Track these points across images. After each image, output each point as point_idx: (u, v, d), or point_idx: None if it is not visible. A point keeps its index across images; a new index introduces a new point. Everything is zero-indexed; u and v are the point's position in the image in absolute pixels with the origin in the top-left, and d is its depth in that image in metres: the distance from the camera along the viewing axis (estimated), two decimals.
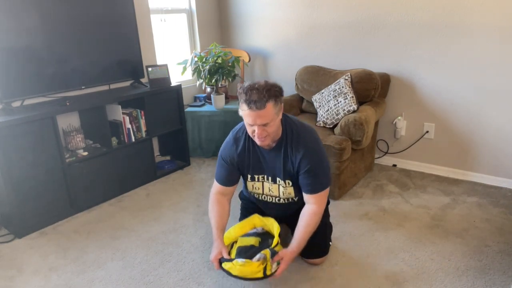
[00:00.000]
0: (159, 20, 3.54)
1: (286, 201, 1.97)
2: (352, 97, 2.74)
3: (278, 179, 1.89)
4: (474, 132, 2.83)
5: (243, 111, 1.67)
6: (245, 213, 2.15)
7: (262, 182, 1.94)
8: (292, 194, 1.93)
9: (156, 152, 3.54)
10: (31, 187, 2.40)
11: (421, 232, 2.27)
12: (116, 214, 2.64)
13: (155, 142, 3.51)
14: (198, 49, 3.81)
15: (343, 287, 1.85)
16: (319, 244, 1.99)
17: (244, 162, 1.91)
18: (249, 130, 1.74)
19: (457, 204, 2.58)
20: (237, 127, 1.95)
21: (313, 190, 1.82)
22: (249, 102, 1.62)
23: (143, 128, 3.04)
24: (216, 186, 2.00)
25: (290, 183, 1.88)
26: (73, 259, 2.17)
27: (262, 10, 3.63)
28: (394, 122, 3.16)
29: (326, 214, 2.04)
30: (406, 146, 3.17)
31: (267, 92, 1.63)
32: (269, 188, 1.94)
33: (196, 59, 3.37)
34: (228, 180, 1.96)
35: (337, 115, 2.75)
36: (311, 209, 1.83)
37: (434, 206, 2.56)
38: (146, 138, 3.04)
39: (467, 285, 1.83)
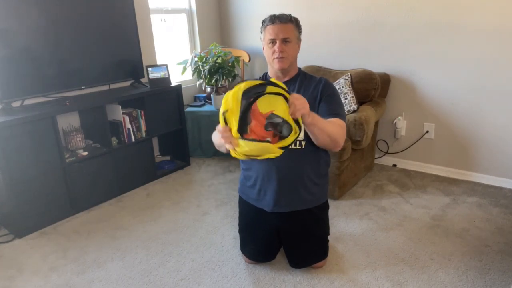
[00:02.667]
0: (159, 20, 3.54)
1: (293, 146, 1.76)
2: (352, 97, 2.73)
3: None
4: (474, 132, 2.83)
5: (266, 27, 1.79)
6: (243, 213, 2.07)
7: None
8: (302, 135, 1.75)
9: (156, 152, 3.54)
10: (31, 187, 2.40)
11: (421, 232, 2.27)
12: (116, 214, 2.64)
13: (155, 142, 3.51)
14: (198, 49, 3.81)
15: (343, 287, 1.85)
16: (317, 248, 1.98)
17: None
18: (270, 52, 1.79)
19: (457, 204, 2.58)
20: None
21: (335, 114, 1.74)
22: (273, 18, 1.78)
23: (143, 128, 3.04)
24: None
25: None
26: (73, 259, 2.17)
27: (262, 10, 3.63)
28: (394, 122, 3.16)
29: (326, 218, 2.02)
30: (406, 146, 3.17)
31: (289, 15, 1.82)
32: None
33: (196, 59, 3.38)
34: None
35: None
36: (335, 120, 1.71)
37: (434, 206, 2.56)
38: (146, 138, 3.04)
39: (467, 285, 1.83)
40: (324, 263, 2.00)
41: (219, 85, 3.45)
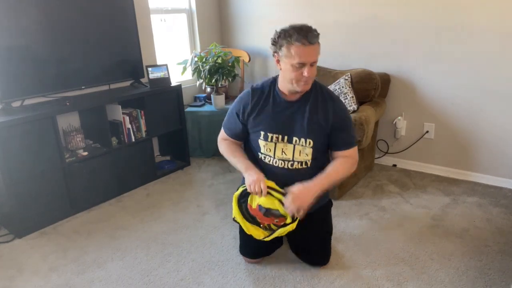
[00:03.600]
0: (159, 20, 3.54)
1: (299, 166, 1.82)
2: (352, 97, 2.73)
3: (295, 138, 1.77)
4: (474, 132, 2.83)
5: (292, 46, 1.61)
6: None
7: (275, 143, 1.79)
8: (309, 157, 1.80)
9: (156, 152, 3.54)
10: (31, 187, 2.40)
11: (421, 232, 2.27)
12: (116, 214, 2.64)
13: (155, 142, 3.51)
14: (198, 49, 3.81)
15: (343, 287, 1.85)
16: (321, 251, 1.99)
17: (259, 116, 1.80)
18: (295, 75, 1.65)
19: (457, 204, 2.58)
20: (257, 83, 1.87)
21: (348, 144, 1.80)
22: (301, 38, 1.59)
23: (143, 128, 3.04)
24: (223, 134, 1.98)
25: (311, 143, 1.77)
26: (73, 259, 2.17)
27: (262, 10, 3.63)
28: (394, 122, 3.16)
29: (329, 217, 2.05)
30: (406, 146, 3.17)
31: (315, 30, 1.66)
32: (282, 150, 1.80)
33: (196, 59, 3.37)
34: (235, 133, 1.92)
35: None
36: (344, 157, 1.80)
37: (434, 206, 2.56)
38: (146, 138, 3.04)
39: (467, 285, 1.83)
40: (326, 267, 2.00)
41: (219, 85, 3.45)
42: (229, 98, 3.70)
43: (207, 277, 1.97)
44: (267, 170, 1.83)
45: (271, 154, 1.82)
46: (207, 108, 3.51)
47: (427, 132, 3.04)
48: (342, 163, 1.80)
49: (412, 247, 2.13)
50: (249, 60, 3.65)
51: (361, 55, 3.17)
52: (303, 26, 1.63)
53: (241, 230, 2.08)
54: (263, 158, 1.86)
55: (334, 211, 2.49)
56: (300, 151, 1.80)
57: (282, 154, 1.81)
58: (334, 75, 3.06)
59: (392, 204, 2.61)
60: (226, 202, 2.73)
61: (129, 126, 2.92)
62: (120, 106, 2.85)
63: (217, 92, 3.44)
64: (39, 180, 2.43)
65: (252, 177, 1.72)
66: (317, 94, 1.79)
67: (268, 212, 1.75)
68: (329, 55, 3.33)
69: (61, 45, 2.63)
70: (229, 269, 2.02)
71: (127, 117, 2.89)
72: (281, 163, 1.82)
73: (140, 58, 3.14)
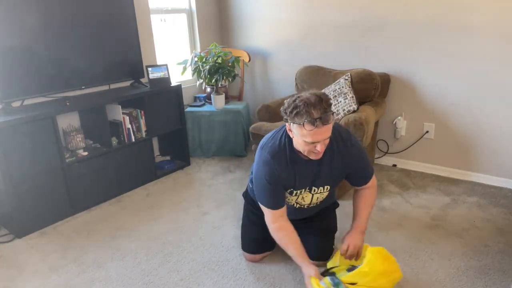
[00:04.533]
0: (159, 20, 3.54)
1: (314, 205, 1.93)
2: (352, 97, 2.73)
3: (314, 188, 1.81)
4: (474, 132, 2.83)
5: (308, 131, 1.52)
6: (249, 215, 2.11)
7: (298, 196, 1.85)
8: (324, 196, 1.89)
9: (156, 152, 3.54)
10: (31, 187, 2.40)
11: (421, 232, 2.27)
12: (116, 214, 2.64)
13: (155, 142, 3.51)
14: (198, 49, 3.81)
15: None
16: (322, 246, 2.01)
17: (288, 180, 1.76)
18: (306, 149, 1.60)
19: (457, 204, 2.58)
20: (267, 143, 1.77)
21: (367, 178, 1.85)
22: (313, 121, 1.49)
23: (143, 128, 3.04)
24: (270, 213, 1.78)
25: (329, 188, 1.84)
26: (73, 259, 2.17)
27: (262, 10, 3.63)
28: (394, 122, 3.16)
29: (334, 215, 2.11)
30: (406, 146, 3.17)
31: (326, 103, 1.52)
32: (302, 197, 1.86)
33: (196, 59, 3.37)
34: (280, 201, 1.79)
35: (337, 115, 2.75)
36: (367, 190, 1.87)
37: (434, 206, 2.56)
38: (146, 138, 3.04)
39: (467, 285, 1.83)
40: (328, 256, 2.01)
41: (219, 85, 3.45)
42: (229, 98, 3.70)
43: (207, 277, 1.97)
44: None
45: (290, 201, 1.89)
46: (207, 108, 3.51)
47: (427, 132, 3.04)
48: (368, 198, 1.86)
49: (412, 247, 2.13)
50: (249, 60, 3.65)
51: (361, 55, 3.17)
52: (316, 104, 1.50)
53: (243, 225, 2.10)
54: None
55: None
56: (318, 197, 1.88)
57: (301, 200, 1.88)
58: (334, 75, 3.06)
59: (392, 204, 2.61)
60: (226, 202, 2.74)
61: (129, 126, 2.92)
62: (120, 106, 2.85)
63: (217, 92, 3.44)
64: (39, 180, 2.43)
65: (306, 277, 1.70)
66: (332, 148, 1.72)
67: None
68: (330, 55, 3.33)
69: (61, 45, 2.63)
70: (229, 269, 2.02)
71: (127, 117, 2.89)
72: (298, 206, 1.92)
73: (140, 58, 3.14)
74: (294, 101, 1.54)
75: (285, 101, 1.61)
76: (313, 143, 1.57)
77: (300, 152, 1.69)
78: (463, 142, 2.90)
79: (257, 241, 2.02)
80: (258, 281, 1.92)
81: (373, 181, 1.88)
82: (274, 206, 1.77)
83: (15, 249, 2.30)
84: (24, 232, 2.42)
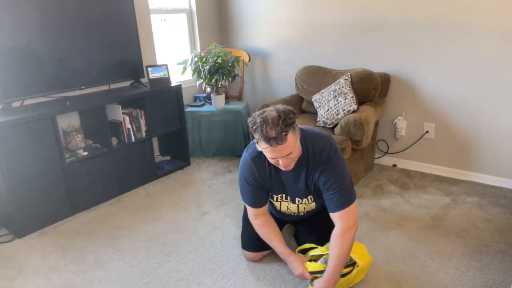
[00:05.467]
0: (159, 20, 3.54)
1: (305, 214, 1.96)
2: (352, 97, 2.74)
3: (297, 199, 1.85)
4: (474, 132, 2.83)
5: (263, 148, 1.56)
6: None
7: (280, 202, 1.90)
8: (313, 206, 1.90)
9: (156, 152, 3.54)
10: (31, 187, 2.40)
11: (421, 232, 2.27)
12: (116, 214, 2.64)
13: (155, 142, 3.51)
14: (198, 49, 3.81)
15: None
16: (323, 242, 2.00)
17: (264, 182, 1.82)
18: (271, 161, 1.65)
19: (457, 204, 2.58)
20: (251, 145, 1.82)
21: (340, 206, 1.69)
22: (268, 140, 1.50)
23: (143, 128, 3.04)
24: (252, 211, 1.90)
25: (313, 198, 1.85)
26: (73, 259, 2.17)
27: (262, 10, 3.63)
28: (394, 122, 3.16)
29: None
30: (406, 146, 3.17)
31: (283, 123, 1.50)
32: (287, 206, 1.90)
33: (196, 59, 3.37)
34: (262, 200, 1.87)
35: (337, 115, 2.76)
36: (337, 231, 1.70)
37: (434, 206, 2.56)
38: (146, 138, 3.04)
39: (467, 285, 1.83)
40: None
41: (219, 85, 3.45)
42: (229, 98, 3.71)
43: (207, 277, 1.97)
44: (276, 212, 1.99)
45: (278, 207, 1.94)
46: (207, 108, 3.51)
47: (427, 132, 3.04)
48: (344, 241, 1.68)
49: (412, 247, 2.13)
50: (249, 60, 3.65)
51: (361, 55, 3.17)
52: (274, 123, 1.49)
53: (244, 223, 2.10)
54: (270, 201, 1.95)
55: None
56: (304, 207, 1.89)
57: (287, 209, 1.93)
58: (334, 75, 3.06)
59: (392, 204, 2.61)
60: (226, 202, 2.74)
61: (129, 126, 2.92)
62: (120, 106, 2.85)
63: (217, 92, 3.44)
64: (39, 180, 2.43)
65: (296, 270, 1.81)
66: (307, 159, 1.72)
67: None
68: (330, 55, 3.33)
69: (61, 45, 2.63)
70: (229, 269, 2.02)
71: (127, 117, 2.89)
72: (289, 212, 1.95)
73: (140, 58, 3.14)
74: (256, 116, 1.56)
75: (253, 113, 1.63)
76: (272, 158, 1.61)
77: None
78: (463, 142, 2.90)
79: (257, 239, 2.03)
80: (258, 281, 1.92)
81: (349, 216, 1.68)
82: (255, 204, 1.88)
83: (15, 249, 2.30)
84: (24, 232, 2.42)
